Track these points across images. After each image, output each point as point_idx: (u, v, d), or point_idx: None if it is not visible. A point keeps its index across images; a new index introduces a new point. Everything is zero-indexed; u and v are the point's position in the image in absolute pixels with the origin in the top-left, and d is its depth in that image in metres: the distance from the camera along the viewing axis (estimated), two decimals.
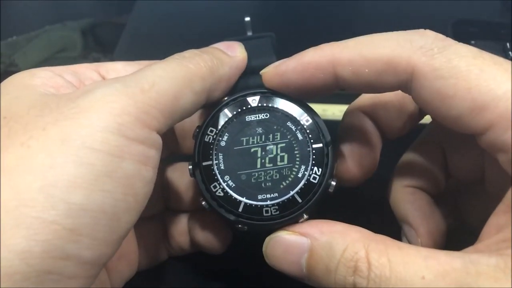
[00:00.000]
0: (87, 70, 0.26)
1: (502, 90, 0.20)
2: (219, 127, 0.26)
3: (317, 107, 0.27)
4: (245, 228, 0.25)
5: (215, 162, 0.25)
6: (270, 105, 0.26)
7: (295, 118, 0.26)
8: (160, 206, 0.33)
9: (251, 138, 0.26)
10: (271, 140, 0.26)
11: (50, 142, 0.19)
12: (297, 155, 0.25)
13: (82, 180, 0.19)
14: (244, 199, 0.25)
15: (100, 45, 0.57)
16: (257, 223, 0.25)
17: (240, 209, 0.25)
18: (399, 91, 0.24)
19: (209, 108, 0.27)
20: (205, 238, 0.31)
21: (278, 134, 0.26)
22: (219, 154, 0.25)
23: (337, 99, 0.43)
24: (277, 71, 0.25)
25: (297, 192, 0.25)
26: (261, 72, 0.26)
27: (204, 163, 0.25)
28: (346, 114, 0.30)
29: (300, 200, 0.25)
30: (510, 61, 0.21)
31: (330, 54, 0.24)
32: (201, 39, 0.29)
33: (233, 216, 0.25)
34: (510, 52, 0.48)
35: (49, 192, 0.18)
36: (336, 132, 0.29)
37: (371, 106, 0.29)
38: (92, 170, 0.19)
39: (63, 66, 0.25)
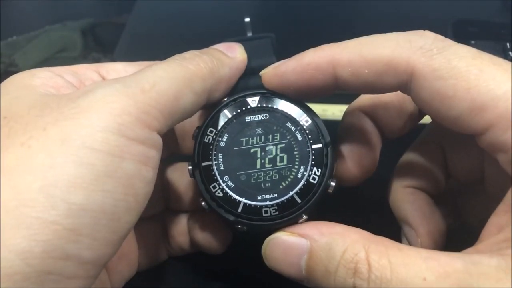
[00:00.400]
0: (87, 71, 0.26)
1: (502, 90, 0.20)
2: (219, 127, 0.26)
3: (317, 107, 0.27)
4: (245, 228, 0.25)
5: (214, 162, 0.25)
6: (269, 105, 0.26)
7: (294, 118, 0.26)
8: (160, 206, 0.33)
9: (250, 138, 0.26)
10: (270, 140, 0.26)
11: (50, 142, 0.19)
12: (297, 156, 0.25)
13: (82, 180, 0.19)
14: (243, 200, 0.25)
15: (100, 45, 0.57)
16: (257, 224, 0.25)
17: (240, 210, 0.25)
18: (399, 91, 0.24)
19: (209, 108, 0.27)
20: (205, 238, 0.31)
21: (278, 134, 0.26)
22: (219, 154, 0.25)
23: (337, 99, 0.43)
24: (276, 72, 0.25)
25: (296, 193, 0.25)
26: (261, 73, 0.26)
27: (204, 164, 0.25)
28: (346, 114, 0.30)
29: (299, 201, 0.25)
30: (509, 62, 0.21)
31: (330, 55, 0.24)
32: (201, 39, 0.29)
33: (232, 216, 0.25)
34: (510, 52, 0.48)
35: (49, 192, 0.18)
36: (336, 133, 0.29)
37: (371, 106, 0.29)
38: (92, 170, 0.19)
39: (63, 66, 0.25)
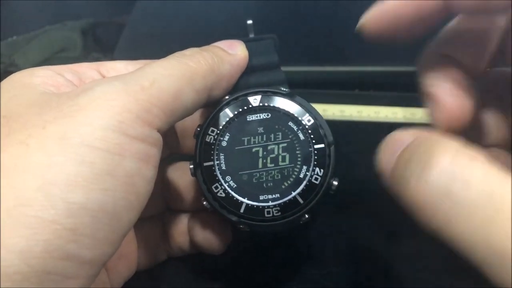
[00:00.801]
0: (87, 69, 0.26)
1: None
2: (220, 127, 0.26)
3: (317, 107, 0.27)
4: (247, 229, 0.25)
5: (216, 162, 0.25)
6: (271, 104, 0.26)
7: (296, 118, 0.26)
8: (161, 206, 0.32)
9: (252, 138, 0.26)
10: (272, 140, 0.25)
11: (49, 140, 0.19)
12: (299, 155, 0.25)
13: (82, 179, 0.18)
14: (245, 200, 0.25)
15: (100, 45, 0.57)
16: (259, 224, 0.25)
17: (242, 210, 0.25)
18: None
19: (210, 107, 0.27)
20: (205, 238, 0.31)
21: (280, 134, 0.26)
22: (221, 154, 0.25)
23: (337, 99, 0.43)
24: (382, 11, 0.22)
25: (298, 193, 0.25)
26: (361, 22, 0.23)
27: (206, 164, 0.25)
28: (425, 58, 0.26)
29: (301, 201, 0.25)
30: None
31: None
32: (201, 39, 0.29)
33: (235, 217, 0.25)
34: None
35: (48, 191, 0.18)
36: (337, 133, 0.29)
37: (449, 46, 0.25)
38: (92, 168, 0.19)
39: (63, 65, 0.25)
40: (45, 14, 0.63)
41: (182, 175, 0.32)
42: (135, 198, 0.20)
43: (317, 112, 0.26)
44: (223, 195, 0.25)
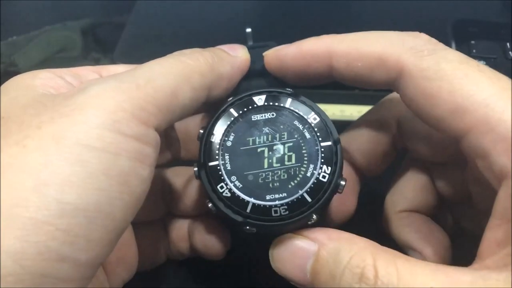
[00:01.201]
0: (88, 72, 0.26)
1: (483, 96, 0.21)
2: (225, 127, 0.25)
3: (318, 106, 0.27)
4: (254, 229, 0.24)
5: (221, 162, 0.25)
6: (276, 104, 0.26)
7: (302, 116, 0.25)
8: (162, 210, 0.32)
9: (257, 137, 0.25)
10: (278, 139, 0.25)
11: (45, 140, 0.19)
12: (305, 154, 0.25)
13: (77, 179, 0.18)
14: (252, 200, 0.24)
15: (100, 45, 0.57)
16: (266, 224, 0.24)
17: (248, 210, 0.24)
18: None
19: (213, 109, 0.26)
20: (205, 244, 0.30)
21: (285, 133, 0.25)
22: (225, 154, 0.25)
23: (337, 99, 0.43)
24: (277, 54, 0.27)
25: (306, 191, 0.24)
26: (264, 53, 0.27)
27: (210, 164, 0.25)
28: None
29: (309, 200, 0.24)
30: (493, 70, 0.22)
31: (328, 45, 0.25)
32: (201, 39, 0.29)
33: (241, 217, 0.24)
34: (510, 52, 0.48)
35: (43, 192, 0.18)
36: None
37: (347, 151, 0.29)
38: (86, 168, 0.19)
39: (64, 68, 0.25)
40: (45, 14, 0.63)
41: (184, 181, 0.31)
42: (130, 198, 0.20)
43: (322, 110, 0.26)
44: (229, 194, 0.24)
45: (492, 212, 0.21)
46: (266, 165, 0.25)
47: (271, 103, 0.26)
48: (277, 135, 0.25)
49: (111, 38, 0.55)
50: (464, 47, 0.48)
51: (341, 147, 0.25)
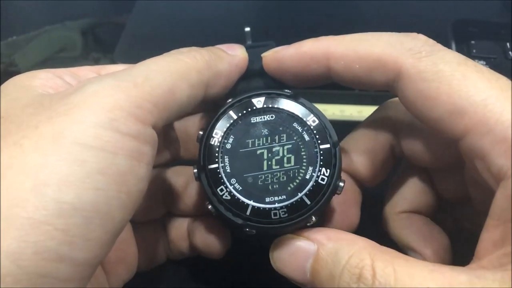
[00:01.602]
0: (88, 72, 0.25)
1: (481, 97, 0.21)
2: (224, 129, 0.25)
3: (317, 107, 0.27)
4: (253, 231, 0.25)
5: (221, 165, 0.25)
6: (275, 106, 0.26)
7: (301, 119, 0.25)
8: (162, 210, 0.32)
9: (256, 140, 0.25)
10: (277, 141, 0.25)
11: (43, 140, 0.19)
12: (304, 157, 0.25)
13: (75, 178, 0.18)
14: (251, 202, 0.24)
15: (100, 45, 0.57)
16: (266, 226, 0.24)
17: (248, 213, 0.24)
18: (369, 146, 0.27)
19: (212, 111, 0.26)
20: (205, 243, 0.30)
21: (284, 135, 0.25)
22: (225, 156, 0.25)
23: (337, 99, 0.43)
24: (276, 56, 0.26)
25: (305, 194, 0.24)
26: (262, 55, 0.27)
27: (210, 166, 0.25)
28: None
29: (309, 202, 0.24)
30: (492, 71, 0.22)
31: (326, 47, 0.25)
32: (201, 39, 0.29)
33: (241, 220, 0.24)
34: (510, 52, 0.48)
35: (41, 192, 0.18)
36: (337, 132, 0.29)
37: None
38: (84, 167, 0.18)
39: (64, 68, 0.25)
40: (45, 14, 0.63)
41: (184, 180, 0.31)
42: (127, 197, 0.20)
43: (321, 112, 0.26)
44: (229, 197, 0.24)
45: (489, 212, 0.21)
46: (265, 167, 0.25)
47: (270, 105, 0.26)
48: (276, 137, 0.25)
49: (111, 38, 0.55)
50: (464, 47, 0.48)
51: (340, 149, 0.25)
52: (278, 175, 0.25)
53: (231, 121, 0.26)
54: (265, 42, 0.28)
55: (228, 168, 0.25)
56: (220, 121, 0.26)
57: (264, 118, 0.26)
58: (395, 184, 0.31)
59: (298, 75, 0.26)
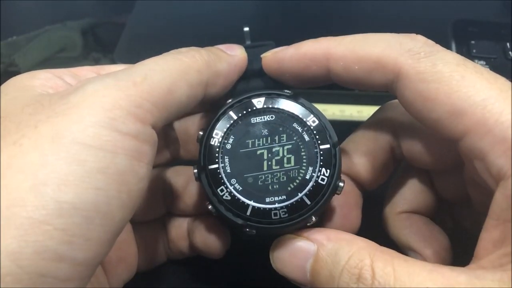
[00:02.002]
0: (88, 72, 0.26)
1: (481, 97, 0.21)
2: (225, 129, 0.25)
3: (317, 107, 0.27)
4: (254, 232, 0.25)
5: (221, 165, 0.25)
6: (275, 106, 0.26)
7: (301, 119, 0.25)
8: (162, 210, 0.32)
9: (256, 140, 0.25)
10: (277, 142, 0.25)
11: (42, 140, 0.19)
12: (304, 157, 0.25)
13: (74, 178, 0.18)
14: (252, 203, 0.24)
15: (100, 45, 0.57)
16: (266, 227, 0.24)
17: (248, 213, 0.24)
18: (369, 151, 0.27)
19: (213, 111, 0.26)
20: (205, 242, 0.30)
21: (284, 135, 0.25)
22: (225, 157, 0.25)
23: (337, 99, 0.43)
24: (275, 57, 0.27)
25: (305, 194, 0.24)
26: (262, 55, 0.27)
27: (210, 167, 0.25)
28: None
29: (309, 202, 0.24)
30: (491, 71, 0.22)
31: (325, 48, 0.25)
32: (201, 39, 0.29)
33: (241, 220, 0.24)
34: (510, 52, 0.48)
35: (40, 191, 0.18)
36: (337, 132, 0.29)
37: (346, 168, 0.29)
38: (84, 166, 0.18)
39: (64, 68, 0.25)
40: (45, 14, 0.63)
41: (184, 180, 0.31)
42: (127, 196, 0.20)
43: (321, 113, 0.26)
44: (229, 197, 0.24)
45: (488, 212, 0.21)
46: (265, 168, 0.25)
47: (270, 106, 0.26)
48: (276, 138, 0.25)
49: (111, 38, 0.55)
50: (464, 47, 0.48)
51: (340, 150, 0.25)
52: (278, 175, 0.25)
53: (231, 121, 0.26)
54: (264, 42, 0.29)
55: (228, 168, 0.25)
56: (220, 121, 0.26)
57: (264, 118, 0.26)
58: (395, 184, 0.31)
59: (297, 76, 0.26)
